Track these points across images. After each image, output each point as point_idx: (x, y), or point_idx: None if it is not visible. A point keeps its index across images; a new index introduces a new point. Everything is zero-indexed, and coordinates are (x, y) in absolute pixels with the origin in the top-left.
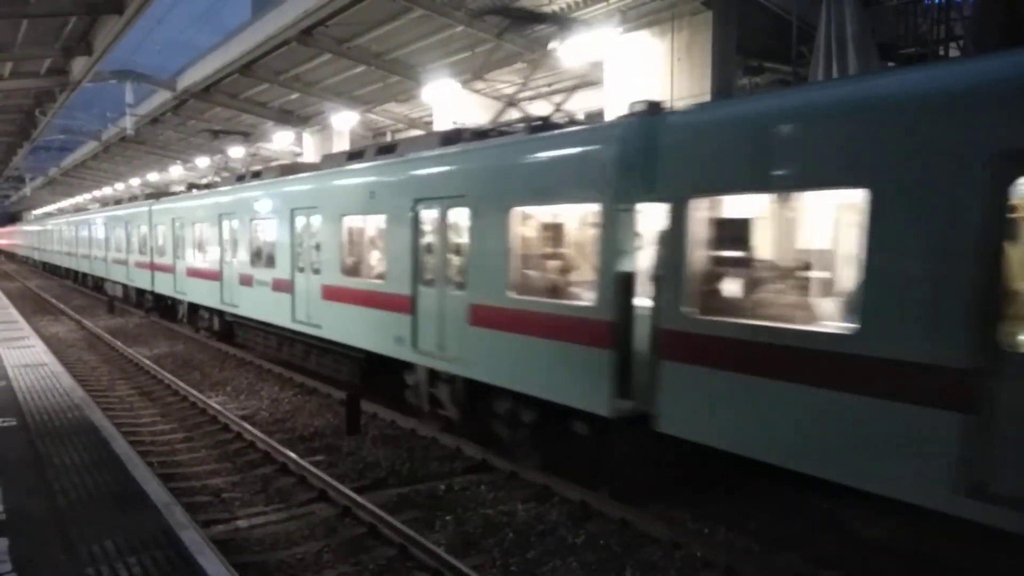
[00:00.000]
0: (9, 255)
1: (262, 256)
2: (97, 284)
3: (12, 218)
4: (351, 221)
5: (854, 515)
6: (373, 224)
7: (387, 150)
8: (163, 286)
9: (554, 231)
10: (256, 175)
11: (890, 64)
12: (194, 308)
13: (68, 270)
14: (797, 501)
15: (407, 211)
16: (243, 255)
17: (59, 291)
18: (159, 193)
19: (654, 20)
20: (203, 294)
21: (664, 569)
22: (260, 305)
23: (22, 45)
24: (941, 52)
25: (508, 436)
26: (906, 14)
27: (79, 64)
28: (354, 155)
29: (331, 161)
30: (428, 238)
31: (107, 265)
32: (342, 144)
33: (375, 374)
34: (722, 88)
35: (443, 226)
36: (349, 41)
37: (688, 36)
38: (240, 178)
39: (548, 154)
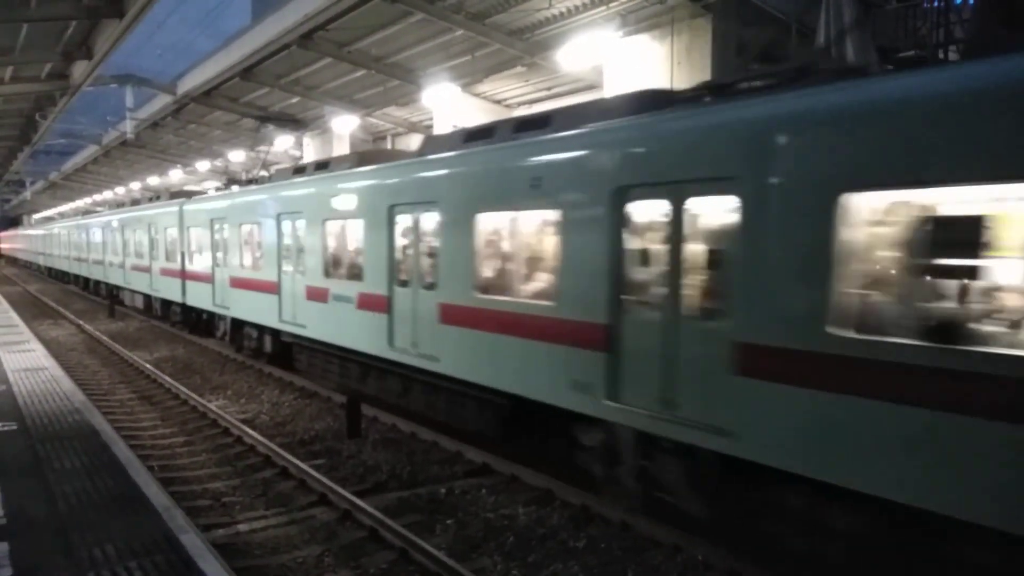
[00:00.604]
0: (10, 259)
1: (342, 265)
2: (114, 294)
3: (12, 222)
4: (493, 220)
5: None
6: (538, 222)
7: (546, 122)
8: (198, 298)
9: None
10: (322, 166)
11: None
12: (238, 324)
13: (78, 277)
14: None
15: (603, 204)
16: (314, 264)
17: (59, 295)
18: (183, 192)
19: (654, 24)
20: (253, 309)
21: (666, 572)
22: (338, 326)
23: (23, 49)
24: (941, 55)
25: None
26: (905, 17)
27: (79, 68)
28: (478, 134)
29: (437, 143)
30: (645, 244)
31: (125, 272)
32: (342, 148)
33: (522, 426)
34: None
35: (678, 224)
36: (349, 45)
37: (688, 39)
38: (299, 170)
39: None
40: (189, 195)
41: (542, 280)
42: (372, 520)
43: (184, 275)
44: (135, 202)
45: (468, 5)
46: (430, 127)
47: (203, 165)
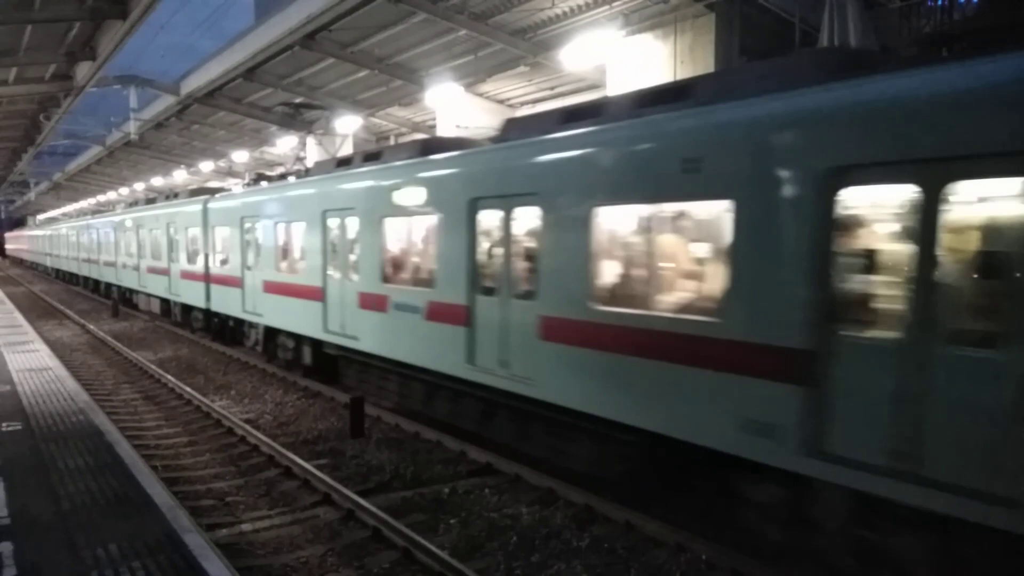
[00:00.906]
0: (15, 260)
1: (406, 270)
2: (126, 297)
3: (17, 223)
4: (620, 216)
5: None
6: (695, 216)
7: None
8: (225, 304)
9: None
10: (372, 157)
11: None
12: (272, 333)
13: (87, 280)
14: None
15: (811, 191)
16: (369, 268)
17: (64, 295)
18: (206, 189)
19: (657, 23)
20: (291, 317)
21: (669, 572)
22: (400, 340)
23: (27, 50)
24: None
25: None
26: (909, 15)
27: (83, 69)
28: (583, 113)
29: (527, 125)
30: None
31: (140, 275)
32: (346, 149)
33: (658, 469)
34: None
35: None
36: (352, 45)
37: (691, 39)
38: (344, 162)
39: None
40: (212, 191)
41: (699, 290)
42: (375, 520)
43: (209, 279)
44: (150, 200)
45: (471, 5)
46: (433, 127)
47: (207, 165)
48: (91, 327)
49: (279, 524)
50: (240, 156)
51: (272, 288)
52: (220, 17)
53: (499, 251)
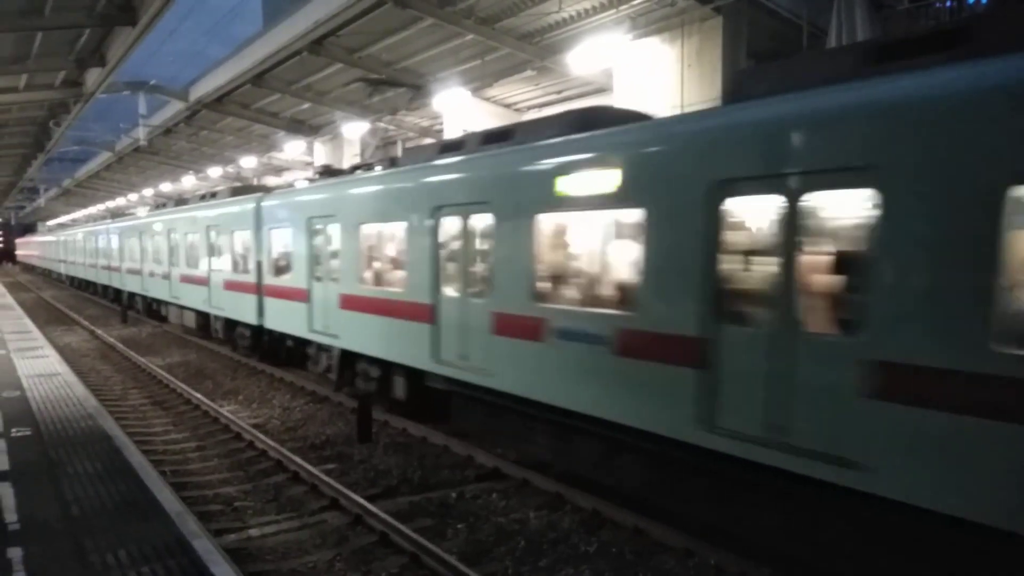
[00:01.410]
0: (26, 267)
1: (578, 285)
2: (153, 310)
3: (27, 229)
4: None
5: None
6: None
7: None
8: (284, 321)
9: None
10: (498, 137)
11: None
12: (349, 357)
13: (106, 289)
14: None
15: None
16: (515, 282)
17: (73, 301)
18: (254, 187)
19: (664, 27)
20: (380, 340)
21: None
22: (570, 382)
23: (37, 57)
24: None
25: None
26: (917, 17)
27: (93, 76)
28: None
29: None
30: None
31: (171, 284)
32: (352, 152)
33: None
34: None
35: None
36: (360, 51)
37: (698, 42)
38: (449, 148)
39: None
40: (263, 189)
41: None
42: (383, 525)
43: (262, 290)
44: (181, 201)
45: (478, 10)
46: (440, 132)
47: (215, 171)
48: (100, 333)
49: (287, 529)
50: (248, 161)
51: (353, 304)
52: (228, 23)
53: (760, 261)
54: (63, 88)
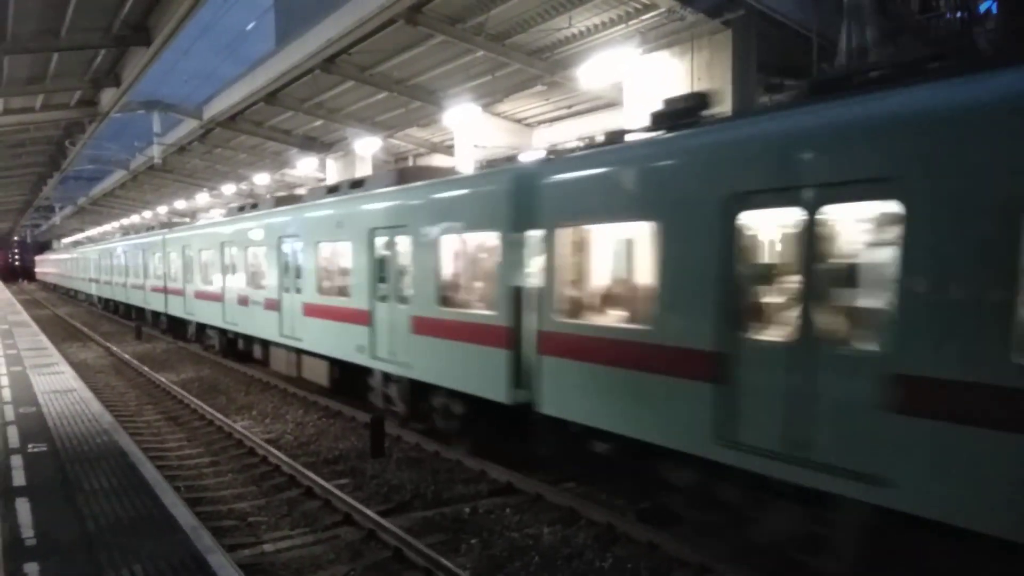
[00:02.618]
0: (43, 284)
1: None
2: (243, 350)
3: (43, 247)
4: None
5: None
6: None
7: None
8: (423, 365)
9: None
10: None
11: None
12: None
13: (156, 316)
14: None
15: None
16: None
17: (87, 318)
18: (315, 187)
19: (674, 40)
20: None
21: None
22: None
23: (53, 78)
24: None
25: None
26: (928, 27)
27: (108, 95)
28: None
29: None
30: None
31: (252, 316)
32: (365, 170)
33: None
34: (743, 107)
35: None
36: (371, 68)
37: (708, 55)
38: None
39: None
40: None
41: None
42: (397, 540)
43: (430, 328)
44: (253, 205)
45: (488, 27)
46: (451, 147)
47: (229, 188)
48: (115, 349)
49: (301, 544)
50: (261, 178)
51: (571, 350)
52: (241, 43)
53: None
54: (79, 108)
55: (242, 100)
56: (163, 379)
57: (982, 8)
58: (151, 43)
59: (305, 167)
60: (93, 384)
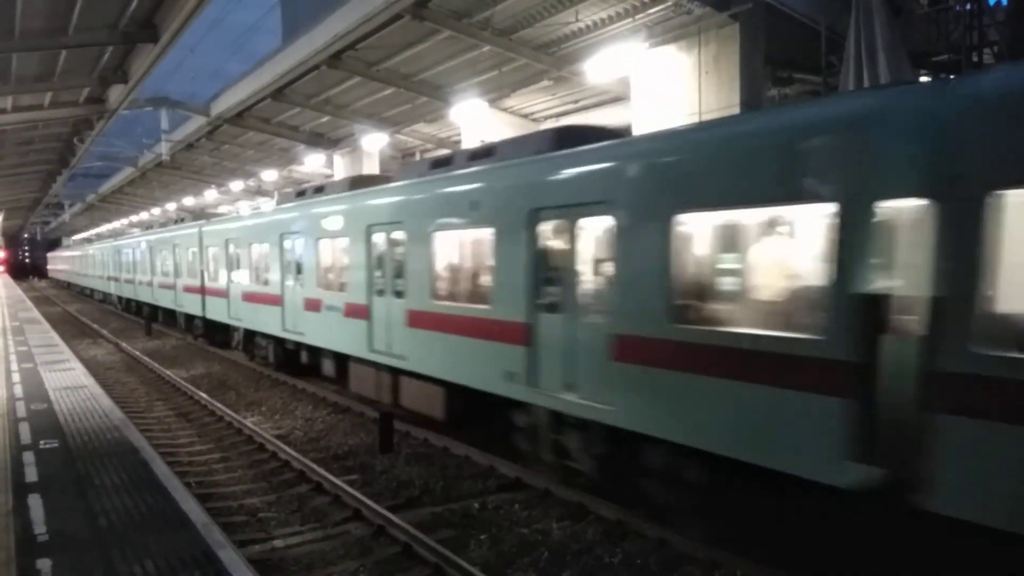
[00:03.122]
0: (55, 281)
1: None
2: (308, 364)
3: (52, 244)
4: None
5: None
6: None
7: None
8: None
9: None
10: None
11: (921, 72)
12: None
13: (191, 320)
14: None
15: None
16: None
17: (98, 315)
18: (442, 156)
19: (681, 34)
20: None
21: None
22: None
23: (61, 75)
24: (975, 59)
25: None
26: (937, 21)
27: (116, 92)
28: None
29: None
30: None
31: (326, 324)
32: (372, 166)
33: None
34: (751, 100)
35: None
36: (378, 64)
37: (716, 49)
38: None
39: None
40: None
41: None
42: (406, 535)
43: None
44: (319, 189)
45: (495, 21)
46: (458, 143)
47: (237, 185)
48: (125, 346)
49: (311, 540)
50: (269, 175)
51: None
52: (248, 39)
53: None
54: (87, 105)
55: (249, 96)
56: (173, 375)
57: (992, 0)
58: (158, 40)
59: (312, 163)
60: (103, 380)
